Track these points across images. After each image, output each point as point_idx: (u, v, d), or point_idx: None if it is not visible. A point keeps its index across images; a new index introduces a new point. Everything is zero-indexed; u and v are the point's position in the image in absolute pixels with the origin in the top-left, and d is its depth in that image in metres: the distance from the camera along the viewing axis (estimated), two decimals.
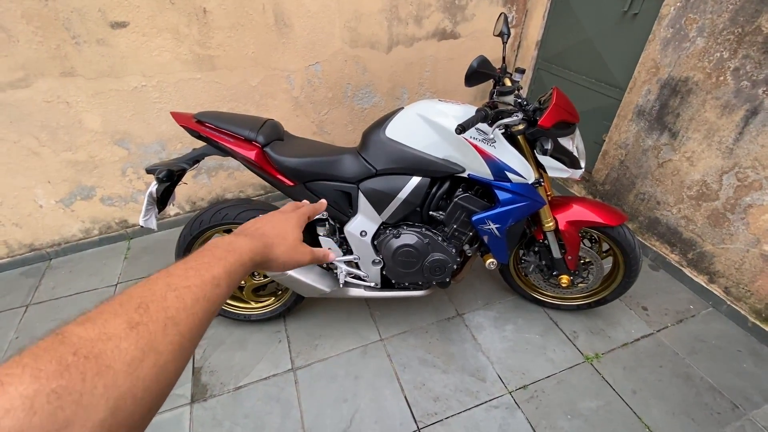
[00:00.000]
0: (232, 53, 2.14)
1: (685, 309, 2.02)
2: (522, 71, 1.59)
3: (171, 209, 2.52)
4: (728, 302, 1.96)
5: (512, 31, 2.91)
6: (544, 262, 1.78)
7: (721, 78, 1.80)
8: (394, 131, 1.46)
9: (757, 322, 1.86)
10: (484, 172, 1.43)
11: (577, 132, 1.50)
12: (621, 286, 1.78)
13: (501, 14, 1.63)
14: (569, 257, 1.69)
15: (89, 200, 2.26)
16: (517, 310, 2.01)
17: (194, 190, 2.51)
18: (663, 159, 2.13)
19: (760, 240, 1.79)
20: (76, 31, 1.81)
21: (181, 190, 2.48)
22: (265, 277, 1.78)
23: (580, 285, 1.82)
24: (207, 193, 2.56)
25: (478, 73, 1.19)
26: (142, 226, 1.54)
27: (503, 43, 1.60)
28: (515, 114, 1.32)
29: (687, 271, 2.13)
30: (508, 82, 1.58)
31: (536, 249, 1.77)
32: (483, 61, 1.18)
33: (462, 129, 1.25)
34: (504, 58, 1.61)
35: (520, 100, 1.42)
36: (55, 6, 1.75)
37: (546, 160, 1.46)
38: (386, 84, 2.68)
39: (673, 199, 2.13)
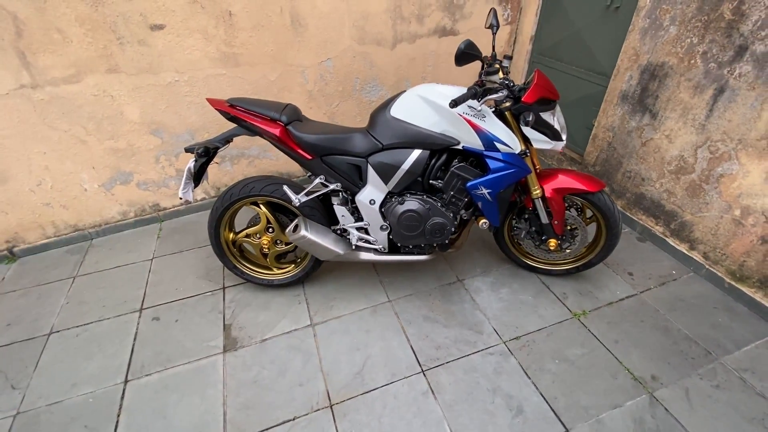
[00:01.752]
0: (254, 51, 2.40)
1: (668, 274, 2.21)
2: (509, 57, 1.82)
3: (198, 194, 2.78)
4: (707, 266, 2.14)
5: (508, 27, 3.13)
6: (534, 228, 1.99)
7: (692, 61, 2.00)
8: (398, 111, 1.69)
9: (733, 282, 2.04)
10: (476, 143, 1.65)
11: (558, 109, 1.71)
12: (605, 249, 1.98)
13: (491, 9, 1.86)
14: (556, 222, 1.90)
15: (127, 185, 2.53)
16: (512, 276, 2.22)
17: (218, 177, 2.77)
18: (645, 138, 2.33)
19: (732, 206, 1.97)
20: (120, 33, 2.08)
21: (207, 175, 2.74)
22: (287, 244, 2.01)
23: (567, 250, 2.02)
24: (230, 179, 2.82)
25: (465, 54, 1.42)
26: (180, 198, 1.79)
27: (493, 34, 1.82)
28: (501, 91, 1.54)
29: (670, 240, 2.32)
30: (497, 66, 1.81)
31: (526, 216, 1.98)
32: (469, 44, 1.41)
33: (455, 103, 1.48)
34: (494, 46, 1.84)
35: (507, 81, 1.64)
36: (104, 11, 2.02)
37: (530, 132, 1.67)
38: (392, 78, 2.92)
39: (655, 175, 2.32)
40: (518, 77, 3.27)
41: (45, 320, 2.06)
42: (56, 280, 2.33)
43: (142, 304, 2.13)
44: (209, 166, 1.84)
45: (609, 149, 2.58)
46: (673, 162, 2.20)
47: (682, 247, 2.26)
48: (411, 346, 1.85)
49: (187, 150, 1.75)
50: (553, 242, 1.95)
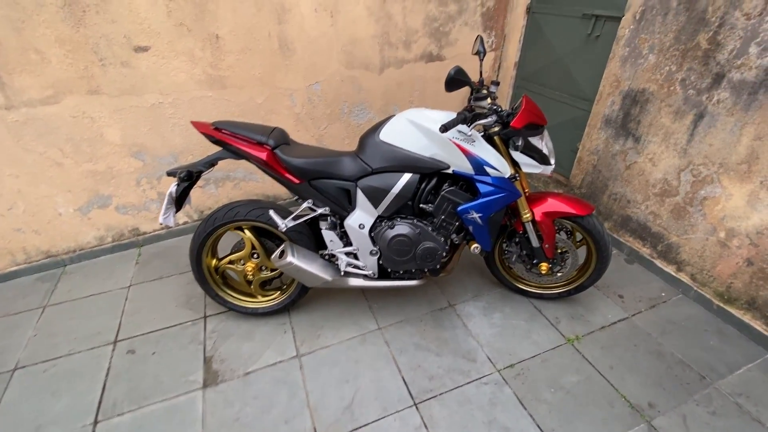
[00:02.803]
0: (241, 74, 2.38)
1: (658, 296, 2.21)
2: (497, 83, 1.84)
3: (180, 218, 2.69)
4: (695, 288, 2.15)
5: (492, 54, 3.21)
6: (524, 252, 1.97)
7: (672, 88, 2.06)
8: (387, 135, 1.68)
9: (721, 304, 2.04)
10: (466, 167, 1.64)
11: (546, 133, 1.73)
12: (595, 272, 1.96)
13: (478, 36, 1.89)
14: (546, 245, 1.88)
15: (105, 209, 2.43)
16: (504, 300, 2.18)
17: (202, 200, 2.69)
18: (629, 161, 2.37)
19: (716, 228, 2.00)
20: (103, 54, 2.04)
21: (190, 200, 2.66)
22: (273, 270, 1.94)
23: (558, 273, 2.00)
24: (214, 202, 2.74)
25: (455, 80, 1.42)
26: (161, 224, 1.72)
27: (480, 60, 1.85)
28: (490, 116, 1.55)
29: (658, 262, 2.33)
30: (486, 92, 1.83)
31: (517, 240, 1.96)
32: (459, 71, 1.42)
33: (445, 128, 1.47)
34: (481, 72, 1.86)
35: (495, 107, 1.65)
36: (86, 32, 1.98)
37: (519, 157, 1.67)
38: (379, 101, 2.94)
39: (640, 197, 2.35)
40: (504, 102, 3.34)
41: (10, 354, 1.92)
42: (25, 310, 2.18)
43: (117, 336, 2.01)
44: (192, 190, 1.78)
45: (594, 172, 2.62)
46: (658, 185, 2.23)
47: (670, 269, 2.27)
48: (402, 377, 1.78)
49: (169, 174, 1.69)
50: (544, 266, 1.93)
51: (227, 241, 2.23)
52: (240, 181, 2.74)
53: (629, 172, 2.39)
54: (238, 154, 1.70)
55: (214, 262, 1.95)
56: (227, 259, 1.92)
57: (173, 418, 1.64)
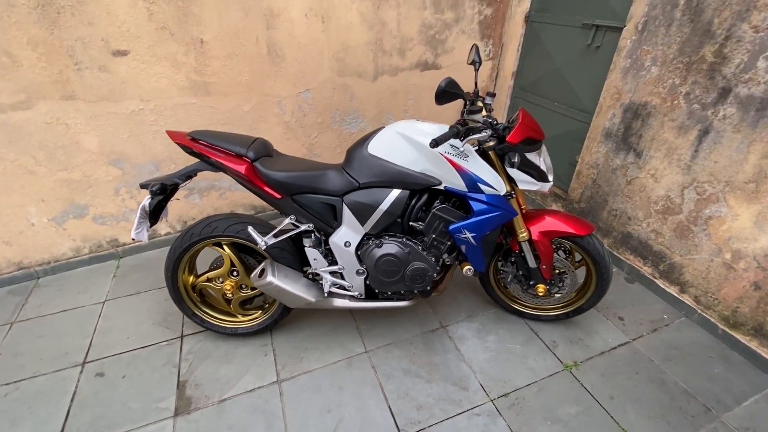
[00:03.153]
0: (227, 80, 2.28)
1: (660, 318, 2.10)
2: (492, 95, 1.74)
3: (162, 228, 2.58)
4: (699, 311, 2.05)
5: (490, 63, 3.13)
6: (521, 272, 1.86)
7: (675, 102, 1.98)
8: (375, 148, 1.58)
9: (726, 329, 1.94)
10: (458, 184, 1.54)
11: (544, 148, 1.63)
12: (595, 295, 1.86)
13: (473, 45, 1.80)
14: (544, 266, 1.78)
15: (81, 219, 2.31)
16: (499, 321, 2.07)
17: (185, 210, 2.58)
18: (630, 177, 2.28)
19: (722, 249, 1.90)
20: (79, 58, 1.93)
21: (172, 211, 2.55)
22: (253, 289, 1.83)
23: (557, 295, 1.90)
24: (198, 213, 2.63)
25: (446, 92, 1.32)
26: (133, 239, 1.61)
27: (475, 70, 1.75)
28: (484, 130, 1.45)
29: (660, 282, 2.23)
30: (480, 105, 1.74)
31: (513, 260, 1.86)
32: (450, 82, 1.32)
33: (435, 143, 1.37)
34: (476, 83, 1.77)
35: (490, 120, 1.55)
36: (60, 34, 1.88)
37: (515, 173, 1.57)
38: (373, 110, 2.84)
39: (642, 214, 2.25)
40: (501, 112, 3.25)
41: None
42: None
43: (86, 357, 1.88)
44: (174, 200, 1.68)
45: (594, 186, 2.53)
46: (660, 202, 2.14)
47: (673, 290, 2.17)
48: (389, 407, 1.66)
49: (143, 186, 1.58)
50: (541, 287, 1.83)
51: (207, 255, 2.11)
52: (225, 191, 2.63)
53: (630, 188, 2.29)
54: (217, 167, 1.59)
55: (191, 278, 1.84)
56: (205, 276, 1.80)
57: None
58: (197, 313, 1.87)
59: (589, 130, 2.49)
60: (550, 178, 1.63)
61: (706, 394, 1.72)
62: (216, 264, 1.82)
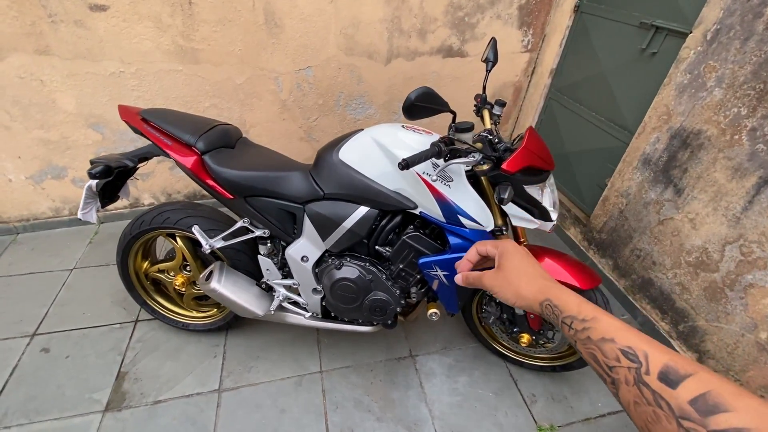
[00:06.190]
0: (218, 48, 2.07)
1: None
2: (503, 104, 1.44)
3: (145, 198, 2.47)
4: None
5: (527, 55, 2.73)
6: (505, 316, 1.61)
7: (736, 137, 1.58)
8: (347, 154, 1.33)
9: None
10: (435, 212, 1.28)
11: (551, 180, 1.33)
12: None
13: (491, 39, 1.49)
14: (532, 315, 1.51)
15: (60, 180, 2.23)
16: (476, 360, 1.84)
17: (170, 182, 2.45)
18: (664, 216, 1.91)
19: (758, 326, 1.56)
20: (52, 10, 1.77)
21: (157, 182, 2.43)
22: None
23: (546, 345, 1.64)
24: (184, 186, 2.50)
25: (417, 107, 1.04)
26: (80, 219, 1.47)
27: (486, 71, 1.46)
28: (472, 154, 1.17)
29: (675, 343, 1.90)
30: (487, 115, 1.44)
31: (497, 300, 1.60)
32: (424, 93, 1.03)
33: (406, 165, 1.10)
34: (484, 87, 1.47)
35: (490, 137, 1.26)
36: None
37: (510, 208, 1.29)
38: (382, 96, 2.55)
39: (670, 262, 1.90)
40: (531, 115, 2.87)
41: None
42: None
43: (38, 328, 1.83)
44: (132, 180, 1.52)
45: (620, 218, 2.17)
46: (694, 253, 1.78)
47: (689, 356, 1.84)
48: None
49: (91, 163, 1.42)
50: (526, 337, 1.57)
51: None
52: None
53: (661, 229, 1.93)
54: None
55: (145, 265, 1.71)
56: (156, 267, 1.67)
57: None
58: (148, 302, 1.75)
59: (625, 152, 2.11)
60: (554, 216, 1.34)
61: None
62: (170, 255, 1.68)
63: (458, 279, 0.62)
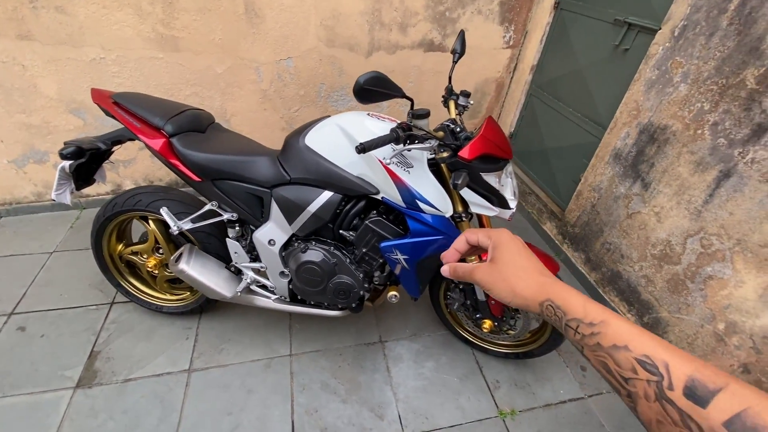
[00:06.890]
0: (198, 37, 2.09)
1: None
2: (468, 94, 1.48)
3: (126, 183, 2.50)
4: None
5: (509, 51, 2.76)
6: (468, 302, 1.64)
7: (699, 131, 1.62)
8: (312, 140, 1.37)
9: None
10: (395, 197, 1.32)
11: (509, 169, 1.36)
12: (549, 342, 1.62)
13: (460, 31, 1.53)
14: (493, 302, 1.55)
15: (42, 164, 2.26)
16: (444, 347, 1.88)
17: (152, 169, 2.49)
18: (632, 210, 1.95)
19: (716, 317, 1.60)
20: None
21: (139, 168, 2.46)
22: None
23: (509, 332, 1.67)
24: (166, 173, 2.53)
25: (367, 90, 1.07)
26: (53, 200, 1.51)
27: (453, 62, 1.49)
28: (428, 141, 1.20)
29: None
30: (452, 105, 1.48)
31: (461, 287, 1.63)
32: (373, 78, 1.06)
33: (363, 149, 1.14)
34: (450, 78, 1.51)
35: (452, 126, 1.30)
36: None
37: (468, 195, 1.33)
38: None
39: (636, 255, 1.94)
40: (513, 110, 2.90)
41: None
42: None
43: (15, 308, 1.86)
44: (107, 163, 1.56)
45: (592, 212, 2.21)
46: (658, 246, 1.82)
47: None
48: (292, 421, 1.54)
49: (65, 144, 1.45)
50: (488, 323, 1.61)
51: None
52: None
53: (629, 222, 1.97)
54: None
55: (119, 247, 1.74)
56: (130, 249, 1.70)
57: (31, 416, 1.48)
58: (122, 283, 1.79)
59: (598, 147, 2.15)
60: (513, 204, 1.37)
61: None
62: (143, 238, 1.71)
63: (445, 271, 0.55)
